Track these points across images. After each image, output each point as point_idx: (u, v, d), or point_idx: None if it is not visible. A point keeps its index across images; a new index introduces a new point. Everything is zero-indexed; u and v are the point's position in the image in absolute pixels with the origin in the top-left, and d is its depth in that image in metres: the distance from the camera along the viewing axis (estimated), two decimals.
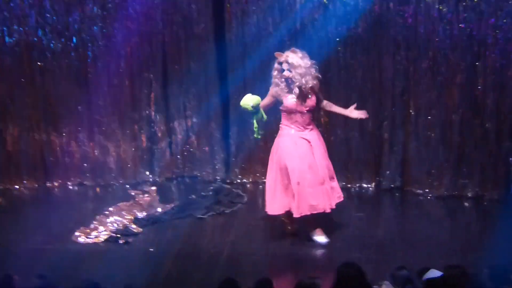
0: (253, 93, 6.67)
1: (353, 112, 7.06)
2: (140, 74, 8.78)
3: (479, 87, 7.93)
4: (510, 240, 6.88)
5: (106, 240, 7.40)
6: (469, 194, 8.16)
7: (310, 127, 6.96)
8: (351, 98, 8.00)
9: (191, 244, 7.30)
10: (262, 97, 6.76)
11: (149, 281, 6.36)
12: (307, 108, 6.84)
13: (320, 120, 8.29)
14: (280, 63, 6.77)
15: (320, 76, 6.90)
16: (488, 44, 7.82)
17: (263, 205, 7.28)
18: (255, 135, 6.84)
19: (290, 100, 6.80)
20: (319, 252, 6.99)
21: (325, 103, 7.10)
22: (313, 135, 6.95)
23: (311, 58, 6.83)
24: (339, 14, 8.19)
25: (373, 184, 8.58)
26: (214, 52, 8.61)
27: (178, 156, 9.02)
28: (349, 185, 8.57)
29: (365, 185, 8.62)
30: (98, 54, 8.64)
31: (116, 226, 7.67)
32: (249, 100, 6.55)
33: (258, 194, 8.51)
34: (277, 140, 7.00)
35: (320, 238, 7.06)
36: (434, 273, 5.05)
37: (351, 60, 8.30)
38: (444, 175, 8.20)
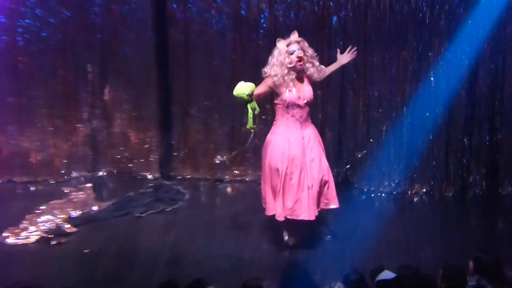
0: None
1: (343, 58, 6.76)
2: (76, 64, 8.54)
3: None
4: (463, 237, 6.92)
5: (37, 241, 7.18)
6: (423, 190, 8.19)
7: (307, 123, 6.60)
8: None
9: (128, 244, 7.11)
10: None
11: (84, 284, 6.18)
12: (305, 101, 6.48)
13: None
14: (288, 45, 6.40)
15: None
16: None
17: (207, 202, 7.08)
18: (248, 126, 6.29)
19: (290, 92, 6.43)
20: (265, 253, 6.82)
21: (323, 72, 6.71)
22: (310, 133, 6.59)
23: None
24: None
25: None
26: (154, 40, 8.39)
27: (116, 151, 8.81)
28: None
29: None
30: (30, 42, 8.35)
31: (48, 225, 7.43)
32: (244, 89, 6.10)
33: (200, 190, 8.43)
34: (270, 137, 6.63)
35: (288, 238, 6.85)
36: (387, 274, 4.98)
37: None
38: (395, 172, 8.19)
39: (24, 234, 7.23)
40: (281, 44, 6.42)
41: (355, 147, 8.38)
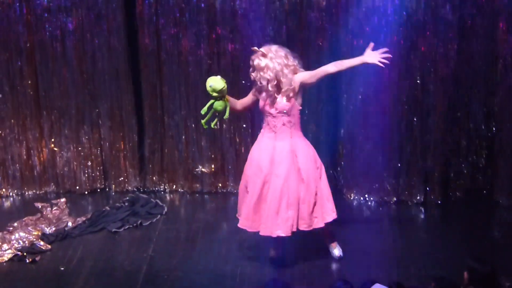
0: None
1: (371, 57, 6.26)
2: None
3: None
4: (457, 248, 6.93)
5: (10, 259, 7.12)
6: (414, 198, 8.12)
7: (285, 135, 6.46)
8: None
9: (105, 261, 7.07)
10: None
11: None
12: (277, 111, 6.40)
13: None
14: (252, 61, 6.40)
15: (301, 71, 6.43)
16: None
17: (186, 216, 7.03)
18: (202, 122, 6.36)
19: (262, 100, 6.46)
20: (248, 267, 6.78)
21: (332, 67, 6.35)
22: (285, 144, 6.46)
23: None
24: None
25: None
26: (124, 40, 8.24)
27: (88, 165, 8.62)
28: None
29: None
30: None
31: (22, 243, 7.36)
32: (211, 80, 6.18)
33: (178, 203, 8.36)
34: (252, 147, 6.74)
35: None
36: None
37: None
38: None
39: None
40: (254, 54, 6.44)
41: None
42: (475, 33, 7.76)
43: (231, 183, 8.35)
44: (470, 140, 8.10)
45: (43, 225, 7.70)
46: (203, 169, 8.44)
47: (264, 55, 6.30)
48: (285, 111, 6.39)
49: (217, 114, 6.36)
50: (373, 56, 6.26)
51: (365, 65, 6.39)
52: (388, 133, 7.96)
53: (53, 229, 7.66)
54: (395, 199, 8.11)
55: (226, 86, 6.26)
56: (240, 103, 6.62)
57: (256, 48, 6.40)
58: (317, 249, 6.98)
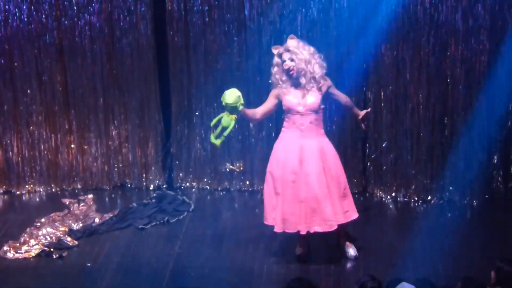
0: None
1: (362, 119, 6.79)
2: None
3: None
4: (485, 247, 6.89)
5: (37, 255, 7.15)
6: (441, 197, 8.09)
7: (311, 133, 6.48)
8: None
9: (132, 257, 7.09)
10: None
11: None
12: (305, 108, 6.39)
13: None
14: (280, 55, 6.37)
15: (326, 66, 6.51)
16: None
17: (213, 213, 7.06)
18: (211, 139, 6.17)
19: (289, 98, 6.40)
20: (275, 265, 6.77)
21: (348, 100, 6.74)
22: (313, 143, 6.46)
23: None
24: None
25: None
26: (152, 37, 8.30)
27: (115, 161, 8.69)
28: None
29: None
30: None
31: (49, 239, 7.39)
32: (227, 95, 6.04)
33: (205, 201, 8.35)
34: (275, 144, 6.67)
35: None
36: (404, 286, 4.83)
37: None
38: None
39: (24, 248, 7.20)
40: (275, 52, 6.44)
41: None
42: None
43: (259, 181, 8.34)
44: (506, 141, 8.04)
45: (70, 221, 7.73)
46: (231, 167, 8.45)
47: (293, 38, 6.34)
48: (314, 109, 6.38)
49: (225, 128, 6.12)
50: (363, 120, 6.79)
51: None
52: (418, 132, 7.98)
53: (80, 225, 7.68)
54: (428, 197, 8.08)
55: (240, 103, 6.05)
56: (261, 112, 6.48)
57: (277, 46, 6.44)
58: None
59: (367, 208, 7.94)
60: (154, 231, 7.61)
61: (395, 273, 5.89)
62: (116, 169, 8.69)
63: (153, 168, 8.67)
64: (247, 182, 8.47)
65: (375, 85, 7.96)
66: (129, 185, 8.71)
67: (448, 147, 7.94)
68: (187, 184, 8.64)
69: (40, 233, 7.44)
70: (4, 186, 8.67)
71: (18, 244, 7.23)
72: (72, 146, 8.60)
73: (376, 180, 8.23)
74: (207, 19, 8.09)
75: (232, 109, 6.08)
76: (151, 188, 8.65)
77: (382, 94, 7.95)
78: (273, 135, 8.02)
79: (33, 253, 7.13)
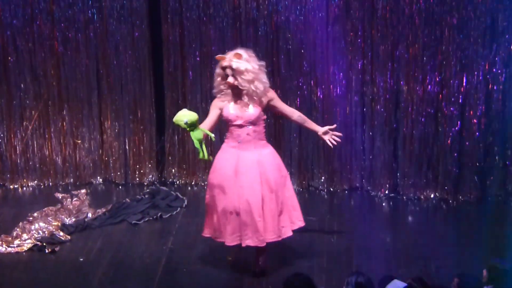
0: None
1: (325, 134, 6.53)
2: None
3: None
4: (478, 245, 6.92)
5: (30, 249, 7.16)
6: (432, 196, 8.11)
7: (249, 145, 6.37)
8: None
9: (124, 252, 7.10)
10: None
11: None
12: (243, 121, 6.31)
13: None
14: (224, 68, 6.28)
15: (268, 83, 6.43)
16: None
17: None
18: (200, 156, 6.04)
19: (228, 110, 6.32)
20: (267, 260, 6.70)
21: (296, 115, 6.53)
22: (251, 155, 6.36)
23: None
24: None
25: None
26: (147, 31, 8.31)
27: (108, 156, 8.70)
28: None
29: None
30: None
31: (42, 233, 7.40)
32: (182, 116, 5.84)
33: (198, 197, 8.29)
34: (216, 155, 6.59)
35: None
36: (396, 284, 4.97)
37: None
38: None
39: (16, 242, 7.20)
40: (219, 63, 6.31)
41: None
42: None
43: None
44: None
45: (63, 216, 7.73)
46: None
47: (239, 56, 6.18)
48: (251, 121, 6.29)
49: (202, 142, 5.98)
50: (327, 135, 6.51)
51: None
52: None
53: (73, 220, 7.68)
54: (420, 195, 8.10)
55: (192, 116, 5.87)
56: (210, 125, 6.24)
57: (220, 55, 6.31)
58: (337, 243, 7.06)
59: (359, 206, 7.99)
60: (147, 227, 7.62)
61: (387, 271, 5.91)
62: (109, 164, 8.70)
63: (146, 163, 8.68)
64: None
65: (369, 83, 8.00)
66: (122, 181, 8.70)
67: (441, 144, 7.97)
68: (181, 180, 8.64)
69: (32, 227, 7.43)
70: None
71: (10, 238, 7.23)
72: (66, 140, 8.61)
73: (368, 177, 8.25)
74: (202, 14, 8.11)
75: (192, 124, 5.88)
76: (144, 183, 8.65)
77: (375, 90, 8.00)
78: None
79: (26, 247, 7.14)
